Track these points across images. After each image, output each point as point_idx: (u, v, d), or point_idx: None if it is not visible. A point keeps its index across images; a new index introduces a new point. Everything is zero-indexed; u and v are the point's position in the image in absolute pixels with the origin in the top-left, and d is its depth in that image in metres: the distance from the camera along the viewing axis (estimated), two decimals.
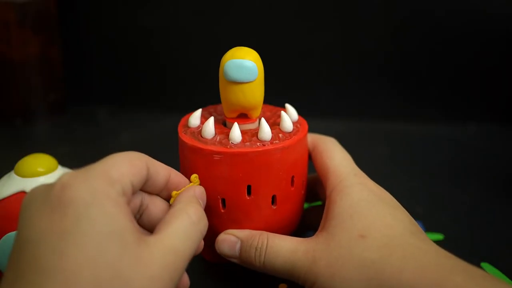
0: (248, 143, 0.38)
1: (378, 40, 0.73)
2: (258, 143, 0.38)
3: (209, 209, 0.40)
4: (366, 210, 0.35)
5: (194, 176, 0.39)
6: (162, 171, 0.34)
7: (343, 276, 0.33)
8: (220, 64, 0.40)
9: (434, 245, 0.34)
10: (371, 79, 0.74)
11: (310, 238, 0.36)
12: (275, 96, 0.47)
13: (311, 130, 0.42)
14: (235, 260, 0.38)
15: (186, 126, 0.41)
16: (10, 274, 0.27)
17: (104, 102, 0.80)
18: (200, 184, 0.39)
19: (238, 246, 0.38)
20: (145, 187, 0.34)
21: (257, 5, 0.74)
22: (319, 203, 0.54)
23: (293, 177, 0.40)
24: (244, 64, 0.38)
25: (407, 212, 0.37)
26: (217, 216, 0.40)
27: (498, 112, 0.73)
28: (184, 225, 0.31)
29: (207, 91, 0.52)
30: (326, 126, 0.71)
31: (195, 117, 0.41)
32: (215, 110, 0.44)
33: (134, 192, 0.32)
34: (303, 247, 0.35)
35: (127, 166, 0.31)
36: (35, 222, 0.28)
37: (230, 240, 0.38)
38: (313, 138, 0.43)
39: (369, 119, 0.74)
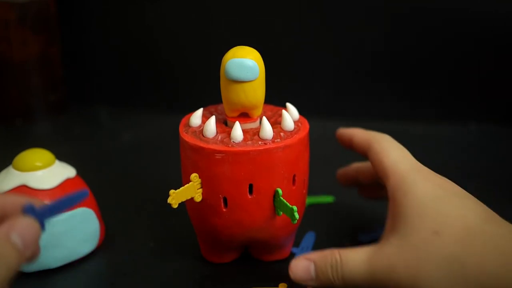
0: (249, 142, 0.38)
1: (378, 40, 0.73)
2: (259, 142, 0.38)
3: (211, 209, 0.40)
4: (434, 206, 0.34)
5: (194, 176, 0.39)
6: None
7: (425, 276, 0.32)
8: (221, 63, 0.40)
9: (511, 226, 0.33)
10: (371, 79, 0.74)
11: (380, 244, 0.35)
12: (275, 95, 0.47)
13: (312, 129, 0.42)
14: (312, 283, 0.36)
15: (187, 125, 0.41)
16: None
17: (104, 102, 0.80)
18: (202, 183, 0.39)
19: (312, 268, 0.36)
20: None
21: (257, 5, 0.74)
22: (319, 202, 0.54)
23: (294, 175, 0.40)
24: (245, 63, 0.38)
25: (476, 199, 0.36)
26: (219, 215, 0.40)
27: (498, 112, 0.72)
28: None
29: (208, 90, 0.52)
30: (326, 126, 0.71)
31: (196, 117, 0.41)
32: (216, 109, 0.44)
33: None
34: (377, 254, 0.34)
35: None
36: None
37: (303, 265, 0.36)
38: (367, 137, 0.42)
39: (369, 119, 0.74)
